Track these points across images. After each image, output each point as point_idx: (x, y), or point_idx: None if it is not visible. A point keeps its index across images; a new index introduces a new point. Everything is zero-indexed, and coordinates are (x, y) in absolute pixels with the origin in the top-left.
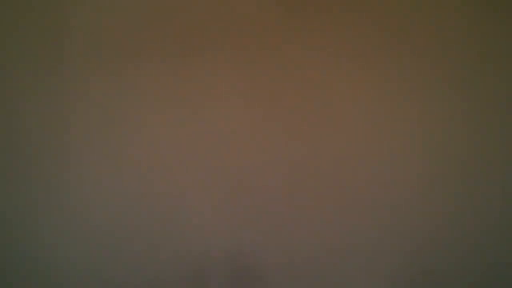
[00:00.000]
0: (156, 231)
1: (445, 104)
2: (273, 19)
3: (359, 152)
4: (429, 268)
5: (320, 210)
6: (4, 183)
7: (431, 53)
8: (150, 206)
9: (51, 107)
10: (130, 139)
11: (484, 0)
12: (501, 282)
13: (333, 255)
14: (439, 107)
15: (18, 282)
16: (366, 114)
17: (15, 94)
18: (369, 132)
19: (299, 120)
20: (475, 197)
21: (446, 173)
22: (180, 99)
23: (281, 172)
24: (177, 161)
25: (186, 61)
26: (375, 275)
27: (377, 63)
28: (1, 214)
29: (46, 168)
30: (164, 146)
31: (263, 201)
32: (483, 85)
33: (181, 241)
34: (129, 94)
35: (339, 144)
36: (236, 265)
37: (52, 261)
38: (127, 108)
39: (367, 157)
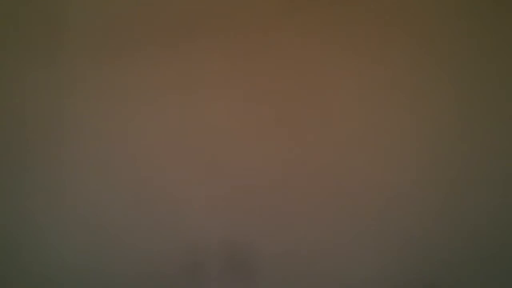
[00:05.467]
0: (153, 225)
1: (446, 100)
2: (272, 8)
3: (356, 149)
4: (428, 274)
5: (315, 204)
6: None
7: (434, 47)
8: (147, 200)
9: (46, 96)
10: (126, 132)
11: None
12: None
13: (328, 249)
14: (439, 103)
15: (19, 280)
16: (365, 110)
17: (12, 84)
18: (369, 129)
19: (296, 115)
20: (477, 198)
21: (448, 171)
22: (175, 89)
23: (277, 166)
24: (173, 154)
25: (181, 51)
26: (370, 268)
27: (380, 58)
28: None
29: (42, 164)
30: (160, 139)
31: (260, 194)
32: (488, 82)
33: (178, 234)
34: (125, 85)
35: (336, 140)
36: (233, 257)
37: (50, 258)
38: (123, 100)
39: (365, 154)
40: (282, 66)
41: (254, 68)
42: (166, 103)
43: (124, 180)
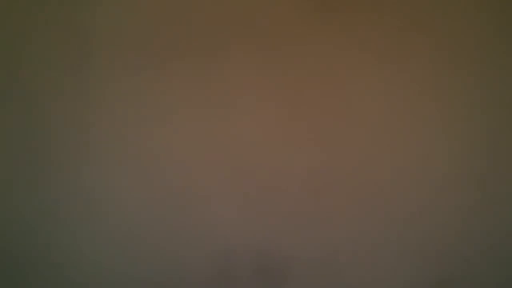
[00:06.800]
0: (180, 231)
1: (470, 103)
2: (300, 16)
3: (381, 154)
4: (448, 277)
5: (342, 210)
6: (26, 181)
7: (459, 54)
8: (173, 206)
9: (74, 106)
10: (153, 138)
11: None
12: None
13: (354, 255)
14: (463, 105)
15: (38, 279)
16: (392, 116)
17: (40, 94)
18: (395, 134)
19: (323, 121)
20: (498, 201)
21: (469, 175)
22: (203, 97)
23: (305, 172)
24: (200, 160)
25: (209, 60)
26: (395, 276)
27: (407, 63)
28: (22, 212)
29: (68, 167)
30: (187, 145)
31: (287, 200)
32: (507, 82)
33: (205, 240)
34: (152, 93)
35: (362, 145)
36: (260, 264)
37: (73, 260)
38: (150, 107)
39: (389, 159)
40: (307, 75)
41: (281, 77)
42: (195, 110)
43: (153, 185)
